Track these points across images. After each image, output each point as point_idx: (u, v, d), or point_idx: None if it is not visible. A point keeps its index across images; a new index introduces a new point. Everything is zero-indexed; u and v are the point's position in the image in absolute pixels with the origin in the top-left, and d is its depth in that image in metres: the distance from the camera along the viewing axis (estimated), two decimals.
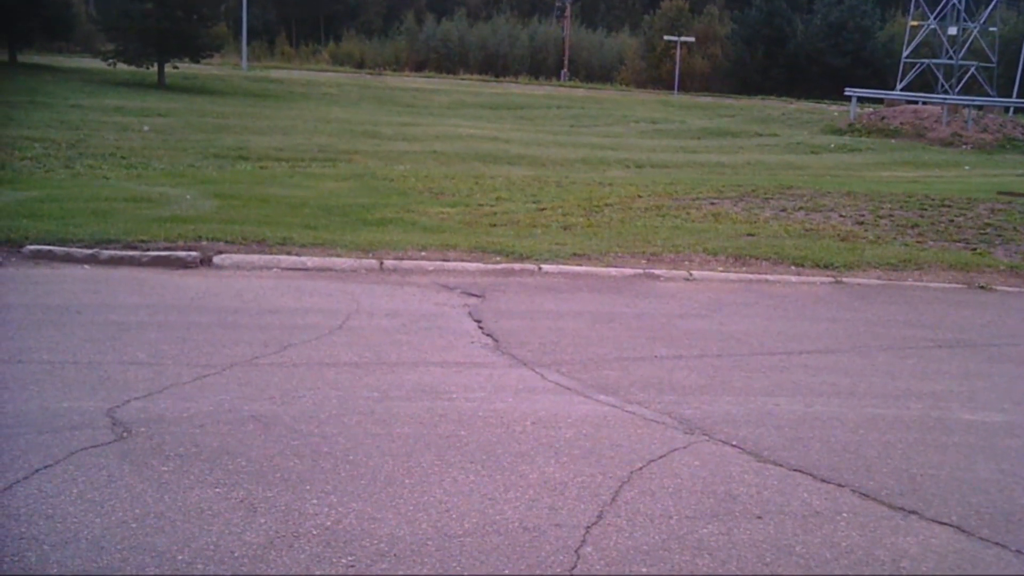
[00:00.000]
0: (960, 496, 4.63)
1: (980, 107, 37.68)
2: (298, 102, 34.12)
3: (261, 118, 25.99)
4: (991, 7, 55.75)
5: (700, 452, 4.97)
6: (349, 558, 3.67)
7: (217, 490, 4.17)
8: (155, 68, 36.91)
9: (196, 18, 38.61)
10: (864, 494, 4.58)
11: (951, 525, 4.31)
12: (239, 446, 4.66)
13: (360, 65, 69.13)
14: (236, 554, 3.65)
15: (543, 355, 6.54)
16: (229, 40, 56.51)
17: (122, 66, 36.84)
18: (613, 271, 9.30)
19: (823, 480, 4.71)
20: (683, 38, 62.61)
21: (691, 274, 9.42)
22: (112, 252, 8.62)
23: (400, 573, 3.60)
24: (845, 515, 4.33)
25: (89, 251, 8.58)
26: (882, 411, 5.83)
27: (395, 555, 3.72)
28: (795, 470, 4.82)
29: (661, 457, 4.86)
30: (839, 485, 4.67)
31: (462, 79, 61.24)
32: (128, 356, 5.96)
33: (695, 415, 5.50)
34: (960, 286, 9.95)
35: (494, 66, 72.19)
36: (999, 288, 9.97)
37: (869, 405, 5.93)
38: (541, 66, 74.20)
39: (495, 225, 11.67)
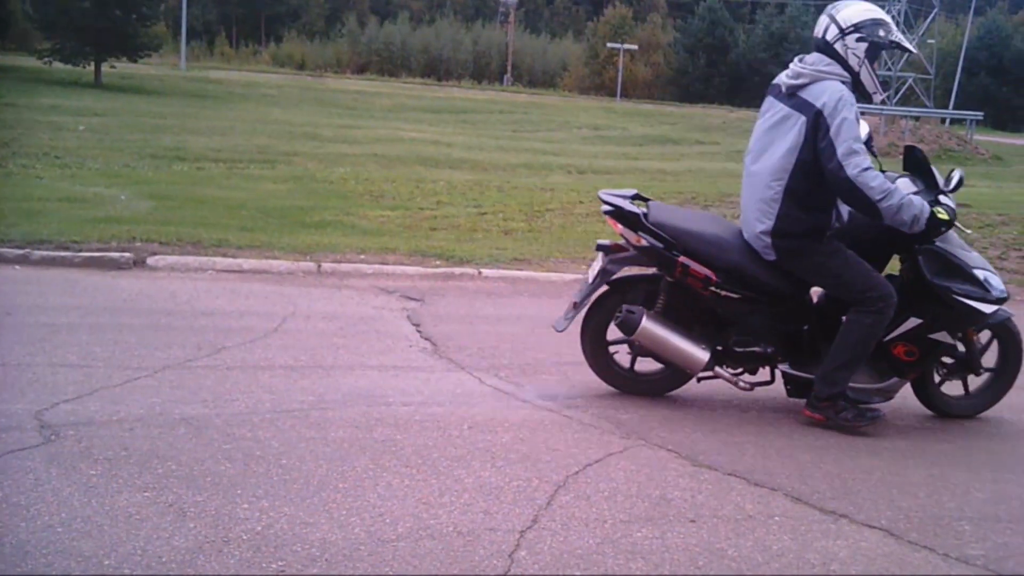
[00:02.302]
0: (890, 500, 4.69)
1: (917, 118, 38.33)
2: (237, 103, 33.75)
3: (199, 119, 25.69)
4: (929, 19, 56.98)
5: (636, 456, 4.99)
6: (280, 563, 3.63)
7: (146, 494, 4.10)
8: (92, 67, 36.32)
9: (135, 17, 38.04)
10: (796, 498, 4.62)
11: (881, 528, 4.36)
12: (169, 450, 4.59)
13: (301, 67, 68.72)
14: (164, 559, 3.59)
15: (481, 359, 6.52)
16: (168, 40, 55.84)
17: (58, 65, 36.23)
18: (554, 276, 9.31)
19: (756, 484, 4.75)
20: (626, 45, 63.13)
21: None
22: (44, 253, 8.46)
23: None
24: (777, 519, 4.37)
25: (20, 251, 8.41)
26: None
27: (327, 560, 3.68)
28: (729, 474, 4.85)
29: (597, 461, 4.87)
30: (772, 489, 4.71)
31: (404, 82, 61.09)
32: (58, 358, 5.86)
33: (632, 420, 5.52)
34: None
35: (437, 70, 72.23)
36: None
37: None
38: (484, 71, 74.36)
39: (436, 229, 11.63)
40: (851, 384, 5.56)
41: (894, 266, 5.90)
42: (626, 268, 5.84)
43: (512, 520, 4.12)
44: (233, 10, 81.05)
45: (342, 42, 77.90)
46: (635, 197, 5.77)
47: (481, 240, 10.96)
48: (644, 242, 5.54)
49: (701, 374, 5.82)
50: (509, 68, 73.07)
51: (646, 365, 5.98)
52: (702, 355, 5.65)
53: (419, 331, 7.13)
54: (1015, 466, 5.35)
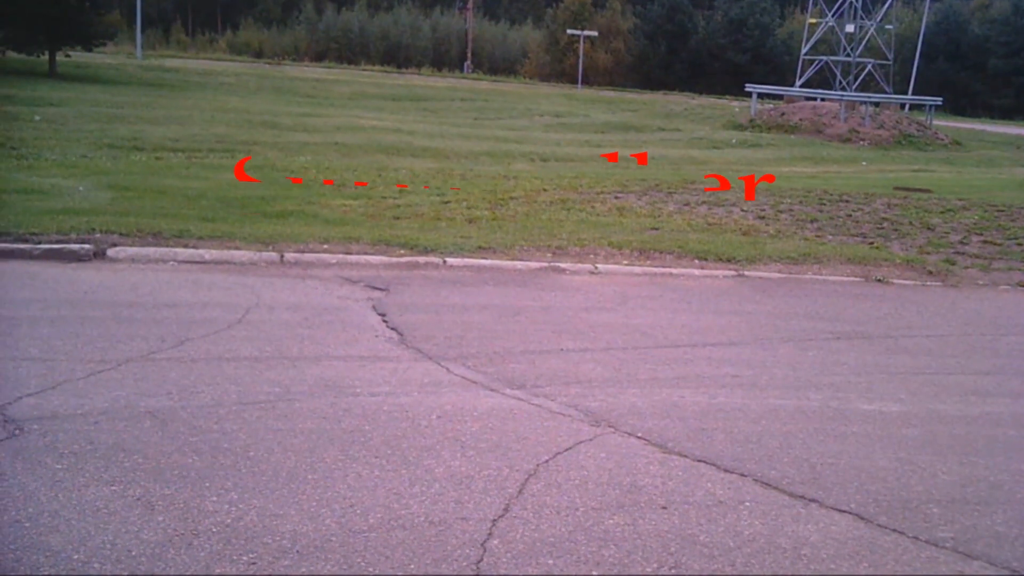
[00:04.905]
0: (859, 484, 4.72)
1: (877, 104, 38.57)
2: (194, 92, 33.39)
3: (156, 108, 25.40)
4: (887, 5, 57.28)
5: (606, 444, 4.98)
6: (250, 555, 3.59)
7: (113, 488, 4.05)
8: (46, 56, 35.80)
9: (88, 5, 37.44)
10: (766, 483, 4.64)
11: (850, 513, 4.38)
12: (135, 443, 4.53)
13: (258, 55, 68.21)
14: (133, 553, 3.55)
15: (449, 349, 6.49)
16: (123, 28, 55.10)
17: (12, 54, 35.65)
18: (519, 264, 9.29)
19: (726, 470, 4.76)
20: (586, 32, 62.94)
21: (596, 267, 9.46)
22: (2, 245, 8.31)
23: (303, 570, 3.53)
24: (748, 504, 4.38)
25: None
26: (783, 402, 5.91)
27: (298, 552, 3.64)
28: (699, 460, 4.86)
29: (567, 449, 4.86)
30: (742, 475, 4.72)
31: (363, 70, 60.72)
32: (20, 352, 5.76)
33: (601, 407, 5.52)
34: (858, 279, 10.16)
35: (396, 57, 71.87)
36: (895, 281, 10.21)
37: (771, 396, 6.01)
38: (444, 58, 74.06)
39: (399, 218, 11.57)
40: None
41: None
42: None
43: (484, 509, 4.11)
44: None
45: (300, 29, 77.35)
46: None
47: (445, 229, 10.91)
48: None
49: None
50: (469, 55, 72.84)
51: None
52: None
53: (385, 321, 7.09)
54: (981, 449, 5.40)
